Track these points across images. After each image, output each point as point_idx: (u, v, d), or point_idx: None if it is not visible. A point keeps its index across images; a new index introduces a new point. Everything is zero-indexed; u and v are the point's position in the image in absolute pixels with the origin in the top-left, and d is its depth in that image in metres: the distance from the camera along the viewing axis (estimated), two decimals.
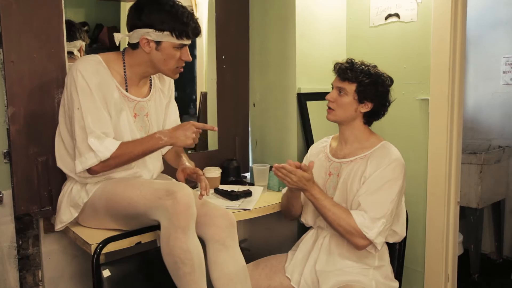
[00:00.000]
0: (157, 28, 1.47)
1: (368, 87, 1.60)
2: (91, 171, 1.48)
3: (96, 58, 1.52)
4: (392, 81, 1.67)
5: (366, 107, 1.63)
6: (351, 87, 1.61)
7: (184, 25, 1.48)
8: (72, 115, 1.47)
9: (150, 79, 1.67)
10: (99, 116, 1.46)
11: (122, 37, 1.58)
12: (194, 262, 1.38)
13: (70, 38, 2.09)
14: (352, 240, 1.54)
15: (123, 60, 1.56)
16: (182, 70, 1.59)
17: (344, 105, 1.62)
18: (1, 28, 1.60)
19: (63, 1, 1.73)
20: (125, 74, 1.56)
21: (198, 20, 1.55)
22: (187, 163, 1.70)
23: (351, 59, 1.66)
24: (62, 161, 1.58)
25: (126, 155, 1.48)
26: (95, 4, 2.65)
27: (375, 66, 1.66)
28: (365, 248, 1.56)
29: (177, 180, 1.66)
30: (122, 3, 2.51)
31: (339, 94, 1.64)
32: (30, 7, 1.64)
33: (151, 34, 1.48)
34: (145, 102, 1.62)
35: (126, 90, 1.56)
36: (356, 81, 1.60)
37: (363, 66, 1.63)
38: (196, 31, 1.53)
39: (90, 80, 1.46)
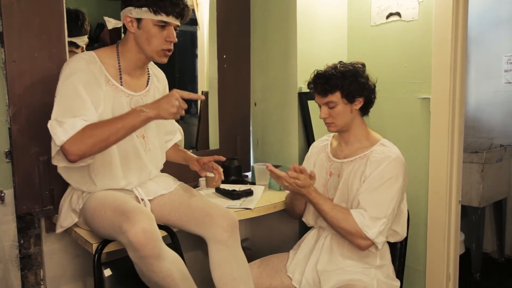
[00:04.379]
0: (136, 5, 1.46)
1: (351, 87, 1.59)
2: (67, 156, 1.36)
3: (89, 54, 1.51)
4: (363, 64, 1.67)
5: (359, 102, 1.63)
6: (336, 96, 1.60)
7: (161, 0, 1.45)
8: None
9: (148, 74, 1.65)
10: (74, 100, 1.39)
11: (115, 23, 1.54)
12: (176, 282, 1.38)
13: (78, 32, 2.08)
14: (354, 242, 1.55)
15: (117, 51, 1.55)
16: (169, 53, 1.54)
17: (340, 114, 1.62)
18: (3, 28, 1.60)
19: (64, 1, 1.73)
20: (119, 65, 1.54)
21: (184, 1, 1.51)
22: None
23: (317, 71, 1.65)
24: (61, 168, 1.56)
25: (101, 134, 1.35)
26: (97, 3, 2.65)
27: (341, 62, 1.65)
28: (367, 248, 1.56)
29: (194, 169, 1.71)
30: None
31: (329, 108, 1.63)
32: (32, 7, 1.64)
33: (132, 12, 1.47)
34: (140, 96, 1.59)
35: (121, 83, 1.54)
36: (337, 88, 1.59)
37: (333, 71, 1.60)
38: (175, 9, 1.47)
39: (76, 69, 1.43)
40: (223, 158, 1.71)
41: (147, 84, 1.64)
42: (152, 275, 1.36)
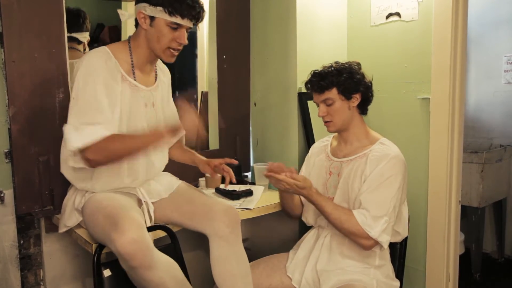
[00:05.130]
0: (151, 3, 1.45)
1: (346, 82, 1.61)
2: (89, 163, 1.40)
3: (104, 50, 1.51)
4: (359, 63, 1.69)
5: (356, 99, 1.64)
6: (333, 93, 1.62)
7: (178, 2, 1.44)
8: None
9: (155, 68, 1.66)
10: (92, 104, 1.40)
11: (128, 16, 1.54)
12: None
13: (80, 28, 2.10)
14: (358, 242, 1.55)
15: (129, 46, 1.55)
16: (176, 53, 1.54)
17: (338, 111, 1.63)
18: (3, 28, 1.60)
19: (64, 1, 1.73)
20: (132, 61, 1.54)
21: (201, 4, 1.50)
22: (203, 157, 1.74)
23: (313, 70, 1.67)
24: (65, 168, 1.57)
25: (118, 150, 1.40)
26: (96, 3, 2.65)
27: (337, 62, 1.67)
28: (371, 248, 1.56)
29: (205, 171, 1.71)
30: (123, 3, 2.51)
31: (327, 106, 1.64)
32: (31, 7, 1.64)
33: (146, 9, 1.46)
34: (150, 91, 1.60)
35: (134, 78, 1.54)
36: (333, 84, 1.61)
37: (329, 69, 1.63)
38: (191, 12, 1.46)
39: (94, 70, 1.43)
40: (235, 162, 1.71)
41: (156, 78, 1.65)
42: (144, 284, 1.35)
